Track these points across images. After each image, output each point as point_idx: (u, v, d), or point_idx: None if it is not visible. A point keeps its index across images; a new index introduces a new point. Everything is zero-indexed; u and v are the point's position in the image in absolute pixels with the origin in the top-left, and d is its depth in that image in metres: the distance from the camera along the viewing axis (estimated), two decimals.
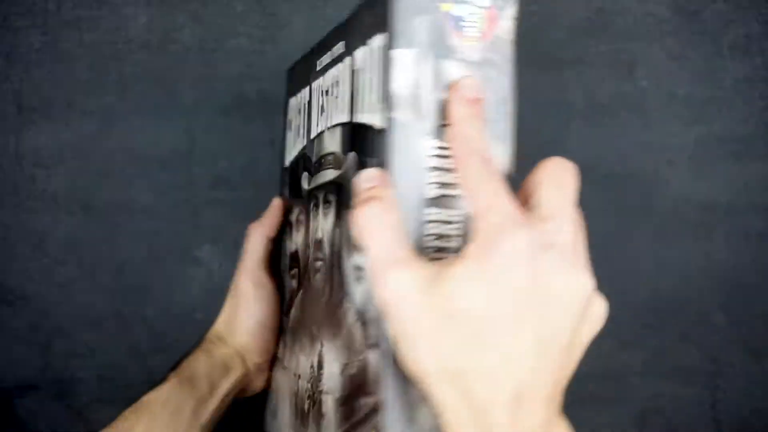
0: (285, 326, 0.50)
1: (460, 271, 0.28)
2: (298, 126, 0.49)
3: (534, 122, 0.72)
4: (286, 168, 0.52)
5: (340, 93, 0.41)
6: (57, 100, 0.70)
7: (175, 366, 0.49)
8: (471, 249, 0.28)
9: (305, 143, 0.47)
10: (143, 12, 0.71)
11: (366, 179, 0.33)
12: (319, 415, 0.40)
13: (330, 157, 0.42)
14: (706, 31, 0.74)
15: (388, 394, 0.32)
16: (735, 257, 0.74)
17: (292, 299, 0.48)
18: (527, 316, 0.27)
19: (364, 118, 0.36)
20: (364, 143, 0.36)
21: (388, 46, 0.33)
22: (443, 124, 0.32)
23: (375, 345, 0.33)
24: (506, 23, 0.34)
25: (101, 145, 0.71)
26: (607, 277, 0.74)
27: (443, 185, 0.32)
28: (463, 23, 0.33)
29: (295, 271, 0.48)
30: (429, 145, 0.32)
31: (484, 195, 0.29)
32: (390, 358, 0.32)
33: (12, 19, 0.70)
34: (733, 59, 0.74)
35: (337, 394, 0.38)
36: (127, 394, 0.73)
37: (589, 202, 0.73)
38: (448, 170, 0.33)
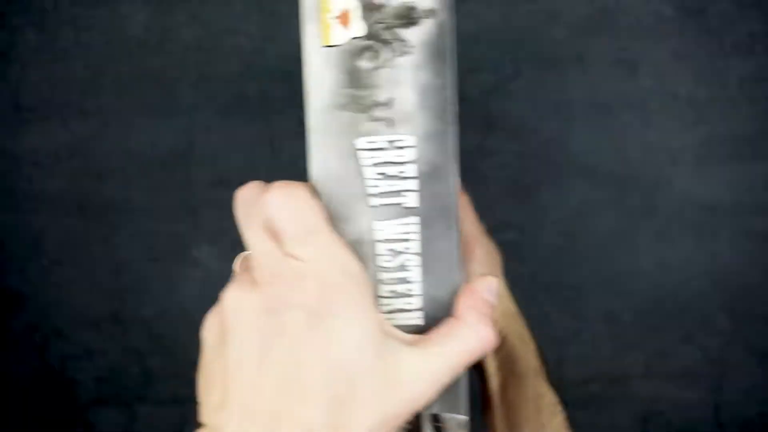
0: None
1: None
2: None
3: (535, 122, 0.72)
4: None
5: None
6: (54, 100, 0.70)
7: None
8: None
9: None
10: (141, 10, 0.70)
11: None
12: None
13: None
14: (710, 30, 0.73)
15: None
16: (739, 258, 0.74)
17: None
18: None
19: None
20: None
21: None
22: None
23: None
24: None
25: (99, 145, 0.70)
26: (610, 278, 0.74)
27: None
28: None
29: None
30: None
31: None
32: None
33: (8, 17, 0.69)
34: (737, 58, 0.73)
35: None
36: (125, 396, 0.73)
37: (591, 203, 0.73)
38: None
